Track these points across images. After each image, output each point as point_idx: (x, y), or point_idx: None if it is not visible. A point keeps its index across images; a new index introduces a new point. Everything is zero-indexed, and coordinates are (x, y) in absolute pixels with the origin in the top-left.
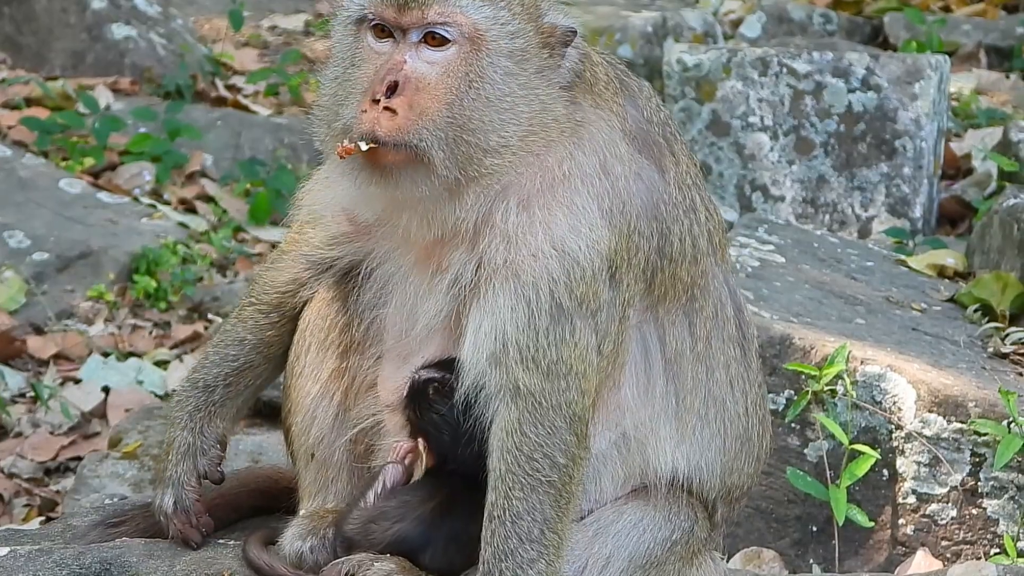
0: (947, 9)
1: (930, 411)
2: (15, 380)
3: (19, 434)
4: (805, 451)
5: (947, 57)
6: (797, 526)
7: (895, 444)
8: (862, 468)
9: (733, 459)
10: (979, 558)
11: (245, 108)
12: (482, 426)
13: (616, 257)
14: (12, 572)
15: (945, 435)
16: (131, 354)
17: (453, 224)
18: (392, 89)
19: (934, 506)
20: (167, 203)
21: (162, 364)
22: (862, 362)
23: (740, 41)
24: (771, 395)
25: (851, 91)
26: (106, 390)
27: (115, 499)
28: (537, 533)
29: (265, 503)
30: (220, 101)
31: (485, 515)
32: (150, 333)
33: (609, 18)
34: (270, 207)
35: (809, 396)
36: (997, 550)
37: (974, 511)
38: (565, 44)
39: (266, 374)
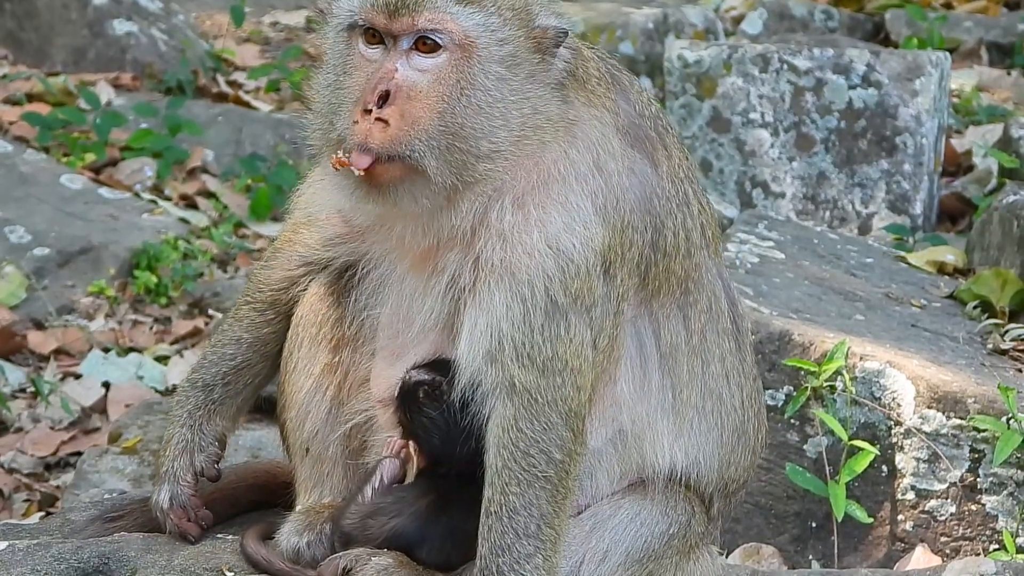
0: (948, 6)
1: (929, 407)
2: (15, 375)
3: (19, 429)
4: (804, 447)
5: (948, 54)
6: (796, 522)
7: (894, 440)
8: (861, 464)
9: (730, 452)
10: (978, 554)
11: (246, 104)
12: (478, 424)
13: (610, 253)
14: (10, 566)
15: (944, 431)
16: (131, 349)
17: (449, 229)
18: (384, 98)
19: (933, 502)
20: (168, 199)
21: (162, 360)
22: (861, 358)
23: (741, 37)
24: (770, 391)
25: (852, 87)
26: (106, 385)
27: (114, 494)
28: (534, 528)
29: (263, 498)
30: (221, 97)
31: (482, 511)
32: (150, 328)
33: (610, 15)
34: (271, 203)
35: (808, 392)
36: (996, 546)
37: (973, 507)
38: (557, 45)
39: (265, 372)
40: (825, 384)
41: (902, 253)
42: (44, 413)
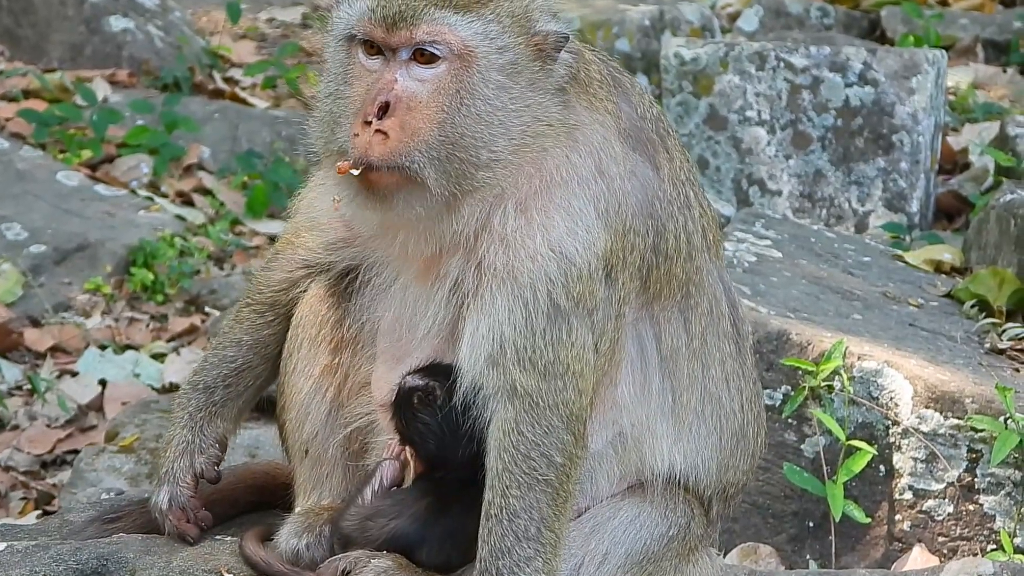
0: (944, 3)
1: (927, 407)
2: (12, 373)
3: (16, 427)
4: (802, 447)
5: (944, 51)
6: (794, 522)
7: (892, 440)
8: (859, 464)
9: (729, 456)
10: (976, 554)
11: (243, 101)
12: (476, 429)
13: (612, 257)
14: (9, 567)
15: (942, 431)
16: (128, 347)
17: (452, 236)
18: (383, 109)
19: (931, 502)
20: (164, 196)
21: (159, 357)
22: (859, 358)
23: (737, 35)
24: (768, 390)
25: (848, 85)
26: (103, 383)
27: (112, 493)
28: (534, 531)
29: (262, 499)
30: (218, 94)
31: (482, 513)
32: (147, 326)
33: (607, 12)
34: (267, 200)
35: (806, 392)
36: (994, 546)
37: (971, 507)
38: (558, 49)
39: (266, 374)
40: (823, 384)
41: (899, 252)
42: (40, 411)
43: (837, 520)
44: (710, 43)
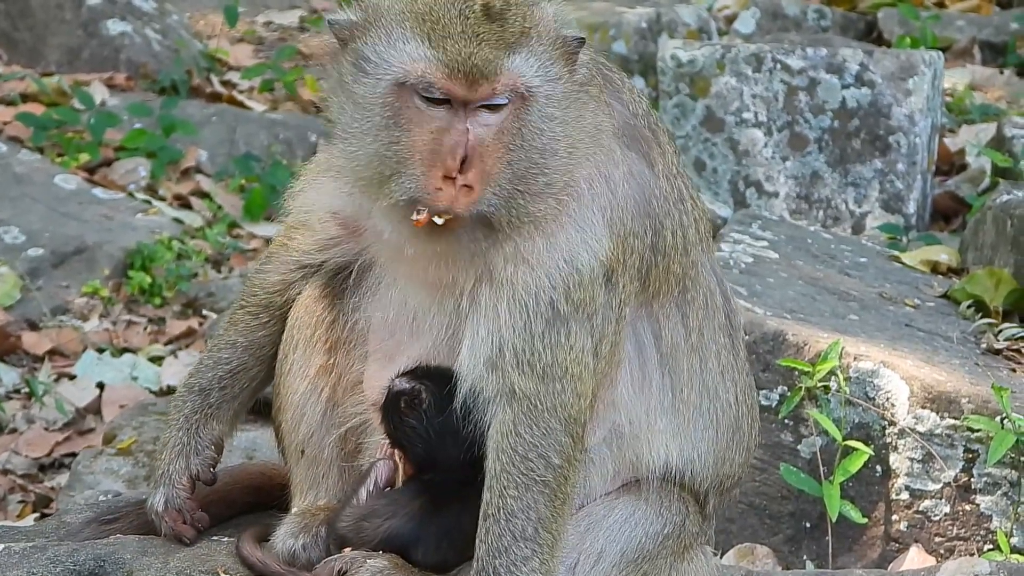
0: (941, 5)
1: (923, 407)
2: (10, 376)
3: (14, 430)
4: (798, 447)
5: (941, 53)
6: (791, 522)
7: (888, 440)
8: (855, 464)
9: (725, 449)
10: (972, 554)
11: (240, 104)
12: (472, 430)
13: (613, 261)
14: (6, 569)
15: (938, 431)
16: (126, 350)
17: (481, 262)
18: (463, 161)
19: (927, 502)
20: (162, 199)
21: (157, 360)
22: (855, 358)
23: (734, 37)
24: (764, 391)
25: (845, 87)
26: (101, 386)
27: (109, 495)
28: (531, 531)
29: (258, 499)
30: (215, 97)
31: (480, 514)
32: (145, 329)
33: (604, 14)
34: (265, 203)
35: (802, 392)
36: (990, 546)
37: (967, 507)
38: (576, 53)
39: (261, 375)
40: (819, 384)
41: (896, 253)
42: (38, 414)
43: (834, 520)
44: (707, 45)
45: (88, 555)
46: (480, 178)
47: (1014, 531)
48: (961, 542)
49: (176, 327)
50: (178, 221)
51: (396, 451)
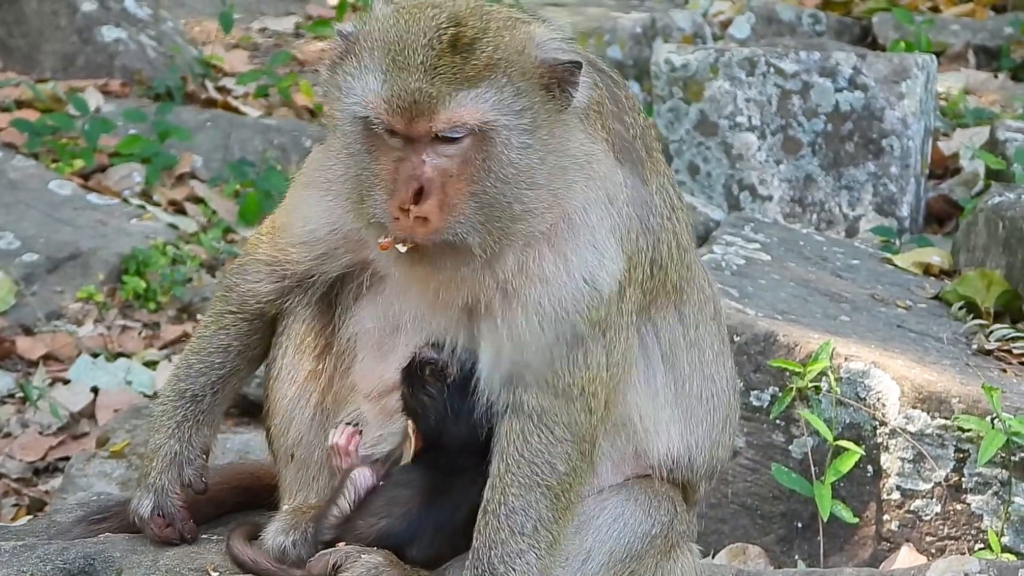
0: (935, 9)
1: (914, 407)
2: (4, 381)
3: (8, 434)
4: (790, 447)
5: (934, 56)
6: (782, 522)
7: (879, 440)
8: (847, 464)
9: (720, 433)
10: (963, 553)
11: (235, 110)
12: (480, 415)
13: (623, 279)
14: None
15: (929, 431)
16: (120, 354)
17: (487, 283)
18: (419, 194)
19: (918, 502)
20: (157, 204)
21: (151, 364)
22: (846, 359)
23: (729, 42)
24: (756, 392)
25: (838, 90)
26: (95, 390)
27: (100, 496)
28: (530, 528)
29: (247, 499)
30: (210, 103)
31: (480, 511)
32: (139, 334)
33: (599, 19)
34: (260, 208)
35: (794, 393)
36: (981, 545)
37: (958, 507)
38: (571, 77)
39: (248, 375)
40: (810, 385)
41: (888, 255)
42: (33, 418)
43: (825, 520)
44: (700, 49)
45: (78, 553)
46: (438, 209)
47: (1004, 530)
48: (952, 541)
49: (170, 332)
50: (173, 226)
51: (409, 423)
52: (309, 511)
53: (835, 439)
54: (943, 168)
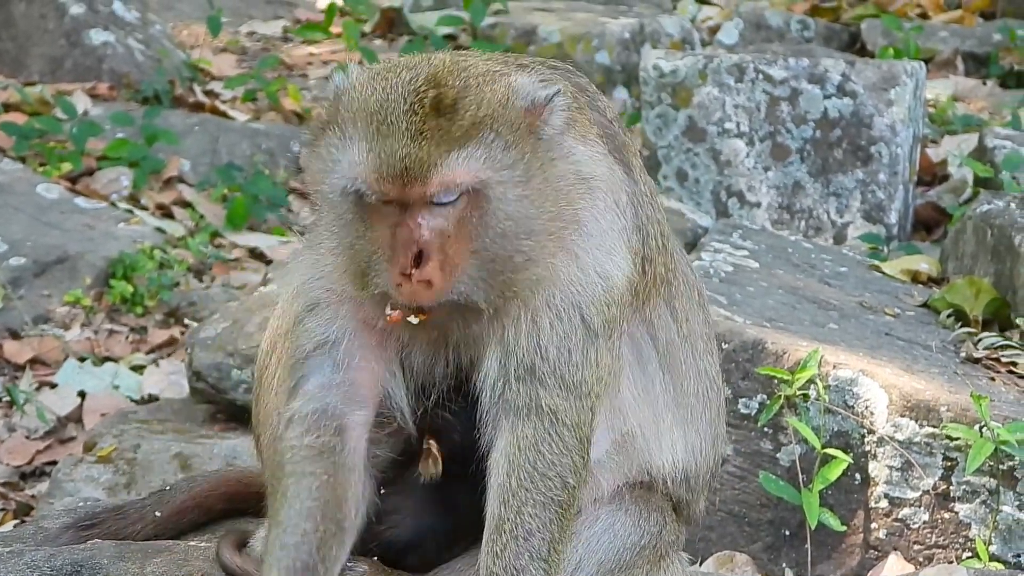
0: (924, 16)
1: (902, 415)
2: None
3: None
4: (778, 455)
5: (923, 63)
6: (770, 530)
7: (867, 448)
8: (834, 472)
9: (718, 424)
10: (951, 562)
11: (223, 114)
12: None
13: (630, 278)
14: None
15: (917, 439)
16: (107, 359)
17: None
18: (418, 258)
19: (906, 510)
20: (144, 208)
21: (138, 369)
22: (834, 367)
23: (718, 48)
24: (744, 399)
25: (827, 97)
26: (82, 395)
27: (88, 503)
28: (546, 551)
29: (235, 506)
30: (198, 106)
31: (489, 527)
32: (126, 338)
33: (587, 25)
34: (247, 212)
35: (782, 400)
36: (969, 554)
37: (946, 515)
38: (549, 105)
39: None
40: (798, 392)
41: (876, 262)
42: (19, 422)
43: (813, 528)
44: (689, 55)
45: (66, 560)
46: (439, 270)
47: (992, 539)
48: (940, 550)
49: (158, 336)
50: (160, 230)
51: (431, 443)
52: None
53: (823, 447)
54: (931, 175)
